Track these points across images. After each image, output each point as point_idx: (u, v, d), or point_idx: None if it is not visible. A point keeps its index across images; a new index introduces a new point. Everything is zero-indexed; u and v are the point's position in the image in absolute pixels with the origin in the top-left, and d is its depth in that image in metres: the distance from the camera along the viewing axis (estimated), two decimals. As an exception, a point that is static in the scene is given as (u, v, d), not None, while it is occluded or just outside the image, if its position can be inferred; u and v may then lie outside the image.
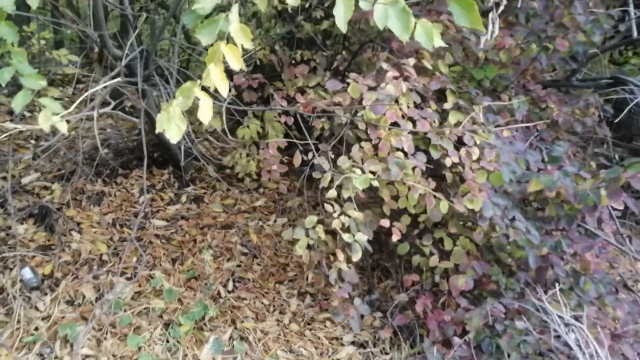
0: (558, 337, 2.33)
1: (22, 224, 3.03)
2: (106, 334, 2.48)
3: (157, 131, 1.14)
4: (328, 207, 2.38)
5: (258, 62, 3.85)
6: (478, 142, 2.31)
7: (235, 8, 1.18)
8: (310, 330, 2.76)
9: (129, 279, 2.86)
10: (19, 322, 2.44)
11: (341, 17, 1.10)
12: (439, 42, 1.30)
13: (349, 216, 2.37)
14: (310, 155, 2.91)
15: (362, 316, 2.61)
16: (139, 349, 2.43)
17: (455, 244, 2.65)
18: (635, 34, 3.25)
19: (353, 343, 2.69)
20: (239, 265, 3.17)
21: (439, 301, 2.57)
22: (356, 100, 2.24)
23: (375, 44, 3.22)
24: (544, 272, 2.44)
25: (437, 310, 2.52)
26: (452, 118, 2.50)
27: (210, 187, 3.94)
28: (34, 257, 2.81)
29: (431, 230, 2.75)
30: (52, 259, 2.82)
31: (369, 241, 2.41)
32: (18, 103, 1.62)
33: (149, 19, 5.03)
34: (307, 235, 2.32)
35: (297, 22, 3.99)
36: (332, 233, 2.45)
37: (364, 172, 2.08)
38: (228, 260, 3.20)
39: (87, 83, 4.68)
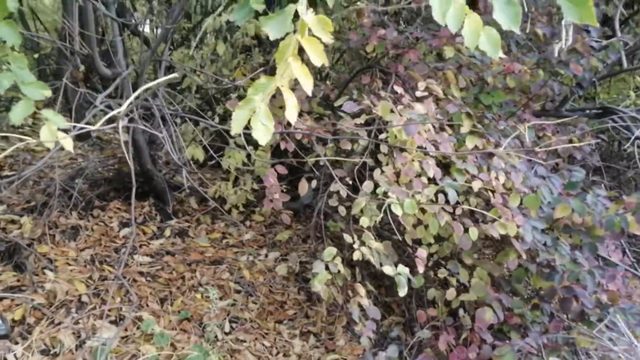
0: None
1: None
2: (91, 387, 2.15)
3: (232, 133, 0.94)
4: (347, 237, 2.19)
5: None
6: (503, 166, 2.21)
7: (305, -1, 1.02)
8: (320, 374, 2.52)
9: (113, 322, 2.54)
10: (-15, 377, 2.08)
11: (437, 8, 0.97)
12: (501, 53, 1.20)
13: (369, 247, 2.19)
14: (314, 183, 2.75)
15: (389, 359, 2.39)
16: (131, 404, 2.12)
17: (471, 275, 2.52)
18: (625, 64, 3.32)
19: (367, 387, 2.46)
20: (233, 304, 2.90)
21: (460, 337, 2.40)
22: (380, 121, 2.11)
23: (374, 69, 3.13)
24: (569, 304, 2.33)
25: (460, 347, 2.34)
26: (469, 142, 2.40)
27: (194, 220, 3.67)
28: (1, 300, 2.45)
29: (443, 263, 2.61)
30: (23, 302, 2.47)
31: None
32: (18, 115, 1.38)
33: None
34: (327, 269, 2.12)
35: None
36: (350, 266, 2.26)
37: (398, 198, 1.92)
38: (221, 298, 2.93)
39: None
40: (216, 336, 2.60)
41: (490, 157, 2.23)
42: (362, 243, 2.19)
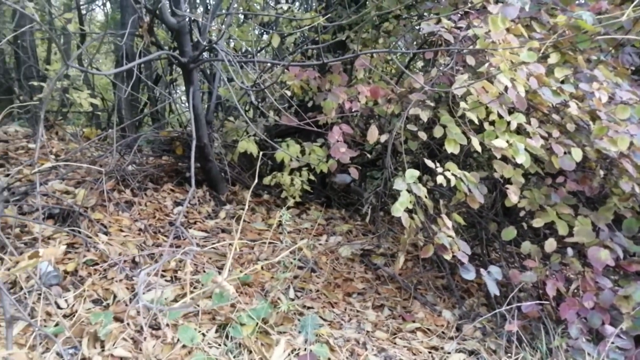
0: None
1: (39, 223, 2.52)
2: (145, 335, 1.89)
3: None
4: (429, 162, 1.94)
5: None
6: (605, 84, 1.96)
7: None
8: (401, 339, 2.17)
9: (168, 281, 2.31)
10: (33, 318, 1.86)
11: None
12: None
13: (455, 175, 1.93)
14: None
15: (497, 283, 2.01)
16: (189, 352, 1.84)
17: (571, 225, 2.19)
18: None
19: (459, 352, 2.09)
20: (296, 277, 2.63)
21: (569, 290, 2.04)
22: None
23: None
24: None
25: (570, 299, 1.98)
26: (558, 73, 2.17)
27: (249, 209, 3.48)
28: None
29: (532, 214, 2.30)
30: (76, 257, 2.29)
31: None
32: None
33: None
34: (410, 192, 1.86)
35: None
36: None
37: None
38: (283, 272, 2.66)
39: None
40: (280, 300, 2.32)
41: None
42: (445, 169, 1.93)
